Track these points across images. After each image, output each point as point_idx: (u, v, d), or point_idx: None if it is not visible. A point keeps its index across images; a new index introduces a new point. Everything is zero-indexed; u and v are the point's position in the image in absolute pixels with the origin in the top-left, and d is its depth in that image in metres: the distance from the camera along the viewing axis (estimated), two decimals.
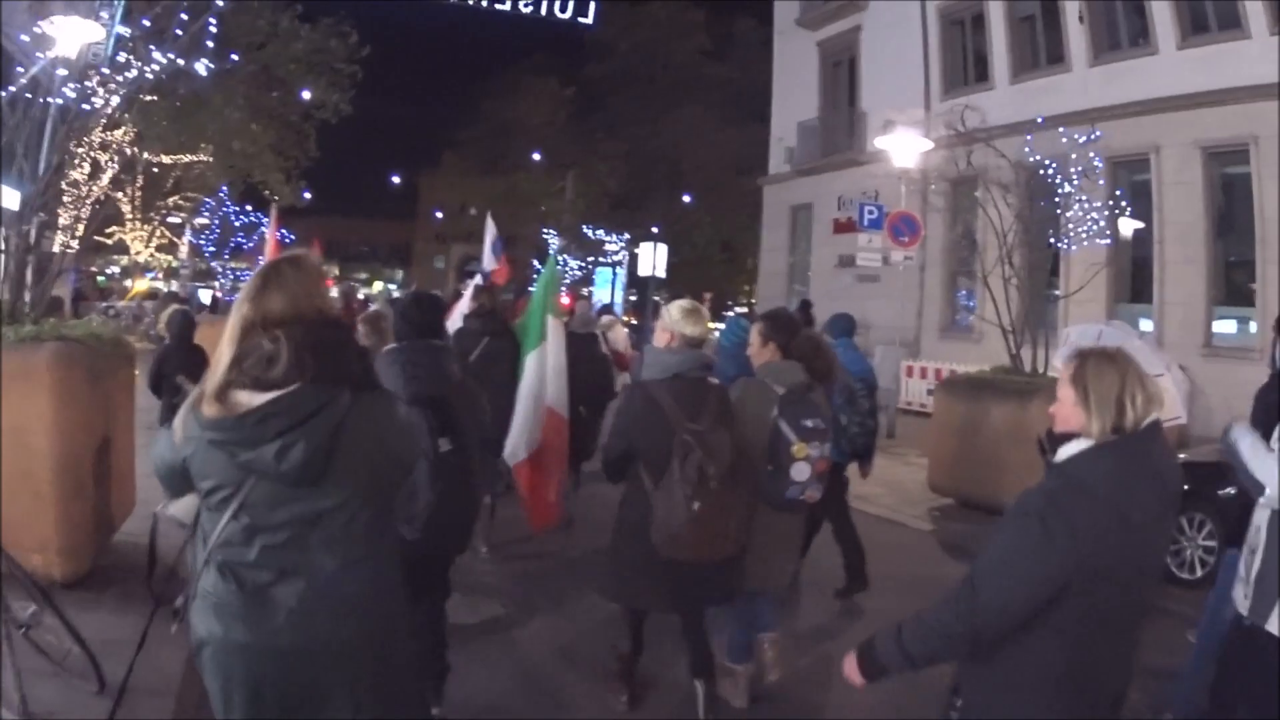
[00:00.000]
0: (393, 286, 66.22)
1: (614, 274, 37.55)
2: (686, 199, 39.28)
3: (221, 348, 2.09)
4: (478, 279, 8.64)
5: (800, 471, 3.93)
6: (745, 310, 39.46)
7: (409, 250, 72.15)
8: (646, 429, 3.74)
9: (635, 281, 29.85)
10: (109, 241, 36.46)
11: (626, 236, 34.31)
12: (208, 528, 2.12)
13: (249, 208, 34.28)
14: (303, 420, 2.02)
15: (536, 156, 40.74)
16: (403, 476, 2.37)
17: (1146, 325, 14.78)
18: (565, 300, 29.50)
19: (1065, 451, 2.23)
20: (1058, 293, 12.56)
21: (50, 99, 6.04)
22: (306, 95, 26.66)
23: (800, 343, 4.44)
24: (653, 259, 22.17)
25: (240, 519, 2.07)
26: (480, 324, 6.77)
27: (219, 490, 2.08)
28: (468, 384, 4.01)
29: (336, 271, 62.85)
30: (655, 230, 32.18)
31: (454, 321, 7.40)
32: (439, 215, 65.53)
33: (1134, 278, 15.79)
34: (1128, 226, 14.78)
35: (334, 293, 22.58)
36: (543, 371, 5.89)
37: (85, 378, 4.95)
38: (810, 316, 10.01)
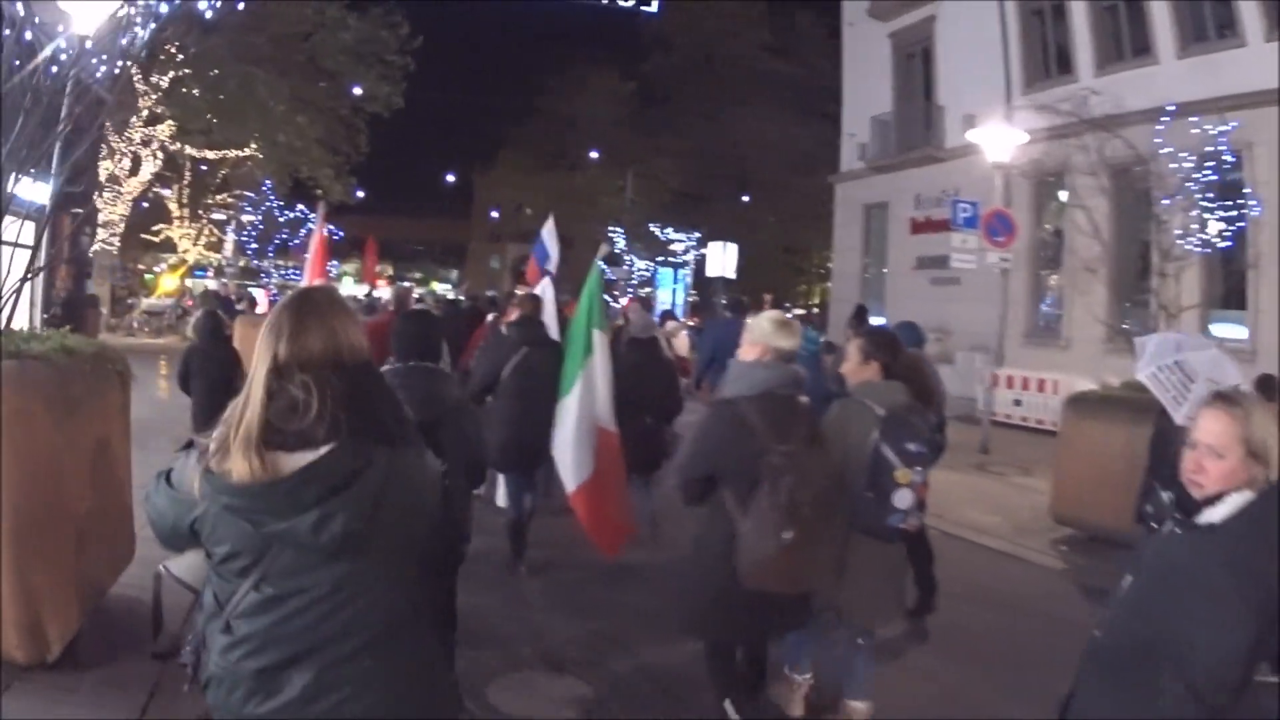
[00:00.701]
0: (447, 287, 66.77)
1: (675, 275, 37.27)
2: (745, 199, 38.82)
3: (249, 395, 1.87)
4: (546, 281, 8.40)
5: (903, 499, 3.75)
6: (802, 313, 39.00)
7: (463, 250, 72.51)
8: (733, 450, 3.56)
9: (700, 283, 29.54)
10: (157, 240, 37.23)
11: (697, 235, 33.90)
12: (221, 596, 1.92)
13: (299, 206, 34.36)
14: (342, 486, 1.82)
15: (594, 155, 40.61)
16: (433, 533, 2.09)
17: (1240, 332, 14.19)
18: (624, 301, 29.31)
19: (1222, 511, 2.10)
20: (1152, 296, 12.02)
21: (76, 76, 5.65)
22: (358, 91, 26.58)
23: (904, 363, 4.30)
24: (722, 259, 21.69)
25: (262, 590, 1.87)
26: (519, 333, 6.57)
27: (236, 559, 1.88)
28: (461, 407, 4.00)
29: (390, 271, 63.51)
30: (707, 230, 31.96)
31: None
32: (494, 215, 65.96)
33: (1225, 282, 15.04)
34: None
35: (386, 292, 22.61)
36: (591, 390, 5.79)
37: (50, 407, 3.95)
38: (865, 322, 9.65)
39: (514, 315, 7.03)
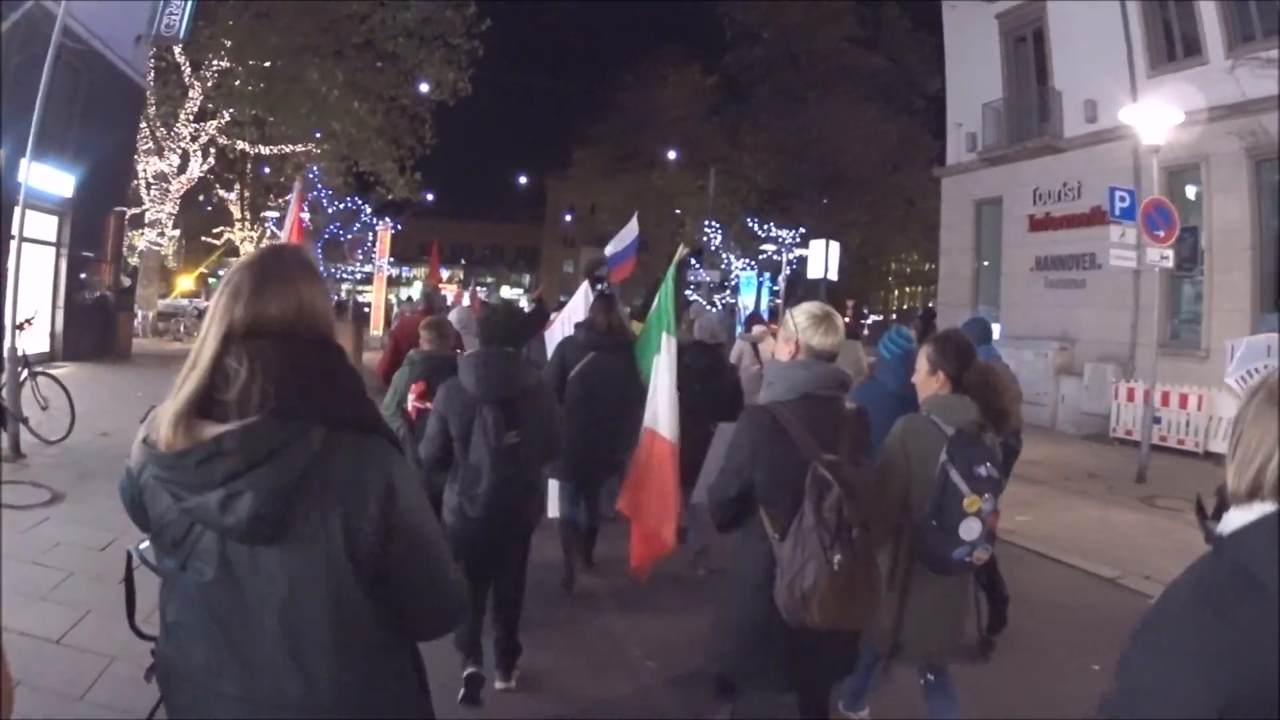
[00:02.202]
0: (519, 291, 67.55)
1: (760, 277, 36.58)
2: (828, 199, 38.04)
3: (196, 359, 1.77)
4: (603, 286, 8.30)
5: (970, 529, 3.45)
6: (880, 318, 38.09)
7: (536, 254, 73.39)
8: (770, 461, 3.16)
9: (793, 285, 28.73)
10: (219, 243, 37.32)
11: (801, 230, 33.08)
12: (165, 573, 1.86)
13: (353, 199, 33.85)
14: (255, 463, 1.68)
15: (672, 155, 40.05)
16: (412, 551, 1.85)
17: None
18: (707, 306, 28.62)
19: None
20: None
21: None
22: (424, 88, 26.08)
23: (974, 375, 3.91)
24: (824, 259, 20.79)
25: (188, 572, 1.78)
26: (587, 336, 6.51)
27: (165, 533, 1.81)
28: (539, 388, 4.55)
29: (461, 275, 64.38)
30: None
31: (564, 329, 7.59)
32: (568, 218, 66.71)
33: None
34: None
35: (449, 295, 22.36)
36: (652, 393, 5.73)
37: None
38: (932, 327, 9.23)
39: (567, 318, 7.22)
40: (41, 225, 16.76)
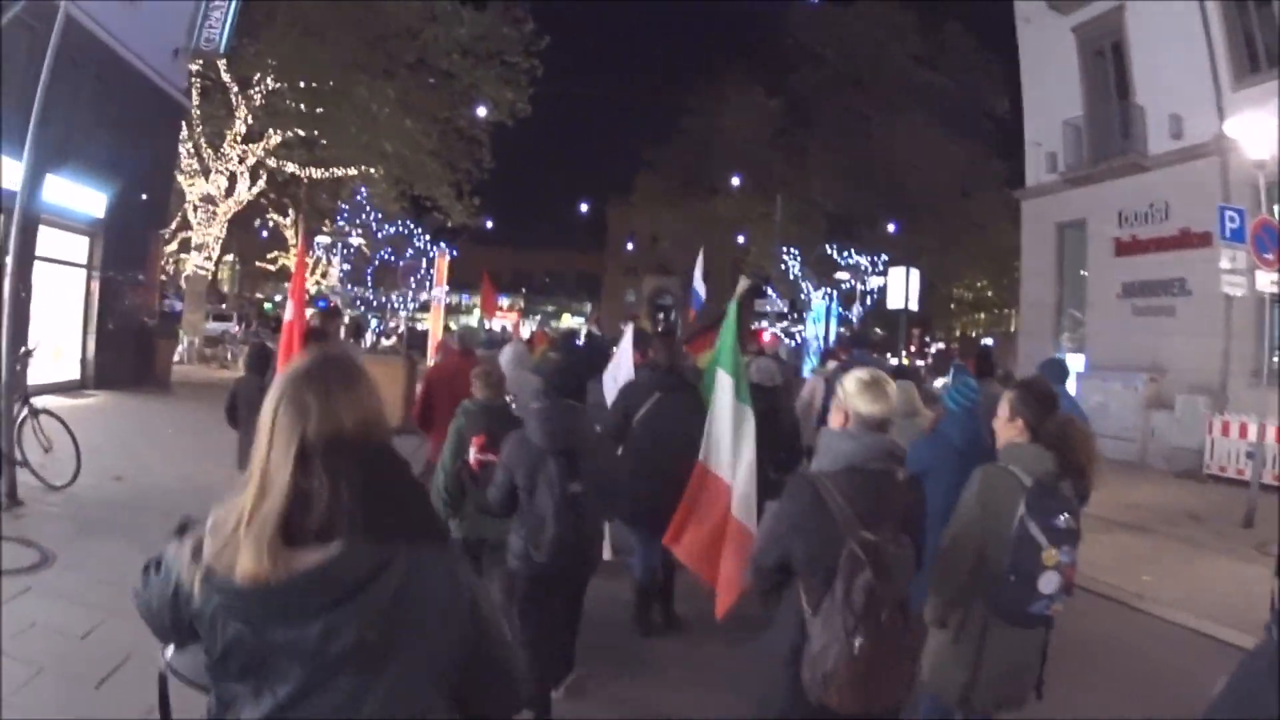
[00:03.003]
0: (579, 320, 67.66)
1: (828, 307, 35.96)
2: (894, 225, 37.45)
3: (268, 481, 1.68)
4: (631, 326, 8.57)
5: (1049, 582, 3.46)
6: (943, 346, 37.22)
7: (597, 282, 73.55)
8: (809, 535, 3.14)
9: (878, 315, 28.29)
10: (274, 268, 37.41)
11: (884, 256, 32.55)
12: (223, 697, 1.75)
13: (405, 222, 33.51)
14: (353, 592, 1.65)
15: (736, 181, 39.71)
16: (492, 653, 1.88)
17: None
18: (768, 338, 28.49)
19: None
20: None
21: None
22: (482, 111, 25.69)
23: (1053, 426, 3.89)
24: (905, 288, 20.22)
25: (262, 699, 1.69)
26: (651, 377, 6.53)
27: (232, 659, 1.70)
28: (600, 439, 5.09)
29: (521, 304, 64.76)
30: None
31: (622, 369, 7.54)
32: (630, 246, 66.78)
33: None
34: None
35: (510, 323, 22.01)
36: (707, 432, 5.68)
37: None
38: (991, 366, 9.29)
39: (641, 358, 7.00)
40: (70, 245, 16.56)
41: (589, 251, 72.34)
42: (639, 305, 69.76)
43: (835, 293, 35.11)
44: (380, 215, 32.16)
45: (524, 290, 70.73)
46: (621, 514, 6.00)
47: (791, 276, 35.71)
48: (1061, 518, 3.49)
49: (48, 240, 15.37)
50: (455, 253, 36.49)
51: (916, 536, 3.24)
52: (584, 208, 59.75)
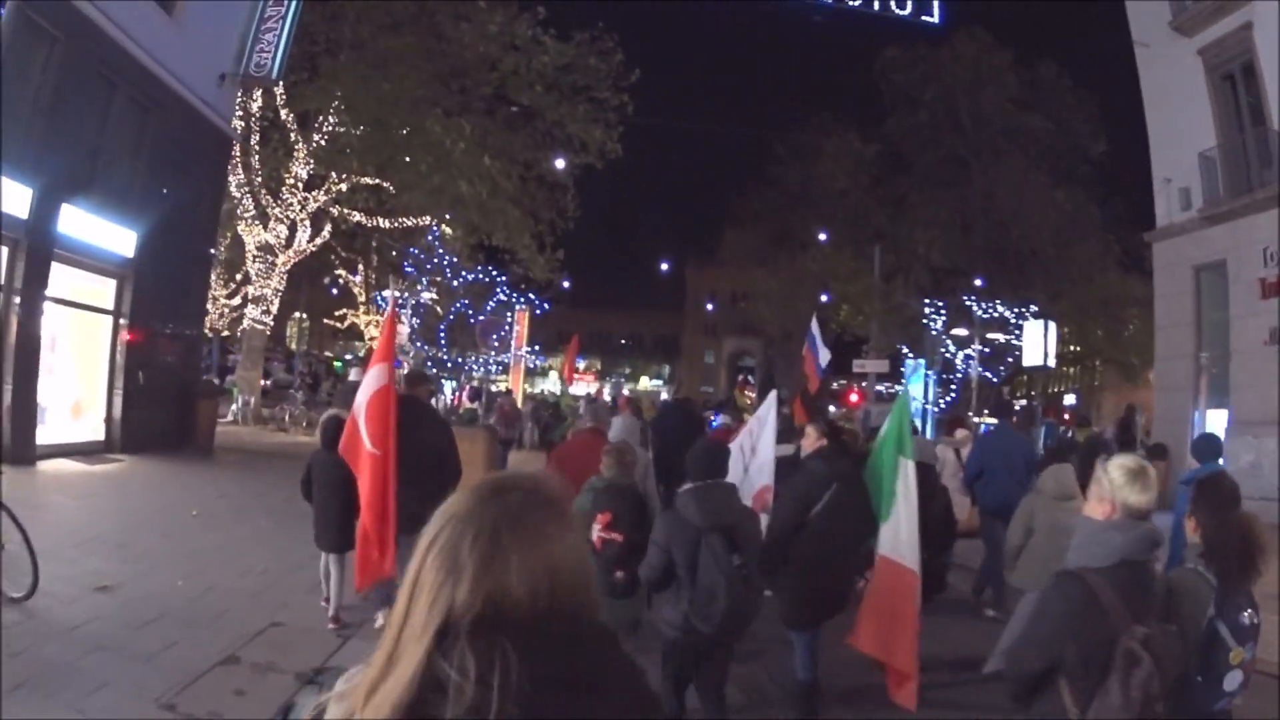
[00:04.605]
0: (658, 383, 67.27)
1: (925, 366, 34.65)
2: (978, 282, 36.22)
3: (393, 660, 1.33)
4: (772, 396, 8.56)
5: (1234, 680, 3.61)
6: (1024, 403, 35.62)
7: (674, 343, 73.54)
8: (1083, 635, 3.11)
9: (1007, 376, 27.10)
10: (342, 326, 36.59)
11: (1033, 307, 31.38)
12: None
13: (487, 267, 32.30)
14: None
15: (828, 233, 38.89)
16: None
17: None
18: (855, 398, 27.32)
19: None
20: None
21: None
22: (560, 164, 24.79)
23: (1234, 520, 3.92)
24: (1043, 344, 19.02)
25: None
26: (825, 466, 6.34)
27: None
28: (749, 514, 5.37)
29: (598, 365, 64.54)
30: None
31: (762, 446, 7.69)
32: (710, 306, 66.69)
33: None
34: None
35: (590, 387, 21.11)
36: (895, 523, 6.02)
37: None
38: (1133, 436, 9.27)
39: (811, 442, 6.66)
40: (94, 289, 15.34)
41: (666, 311, 72.51)
42: (719, 367, 69.52)
43: (992, 350, 34.05)
44: (455, 260, 30.88)
45: (599, 352, 70.59)
46: (787, 619, 6.09)
47: (934, 332, 34.49)
48: (1246, 614, 3.63)
49: (67, 281, 14.28)
50: (548, 307, 35.30)
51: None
52: (664, 267, 59.38)
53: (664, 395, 56.68)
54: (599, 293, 63.52)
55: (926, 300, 34.76)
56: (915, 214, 36.13)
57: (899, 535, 5.93)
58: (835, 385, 46.00)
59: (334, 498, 7.26)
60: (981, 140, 36.29)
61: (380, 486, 6.44)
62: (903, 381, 34.23)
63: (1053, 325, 19.33)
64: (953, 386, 35.49)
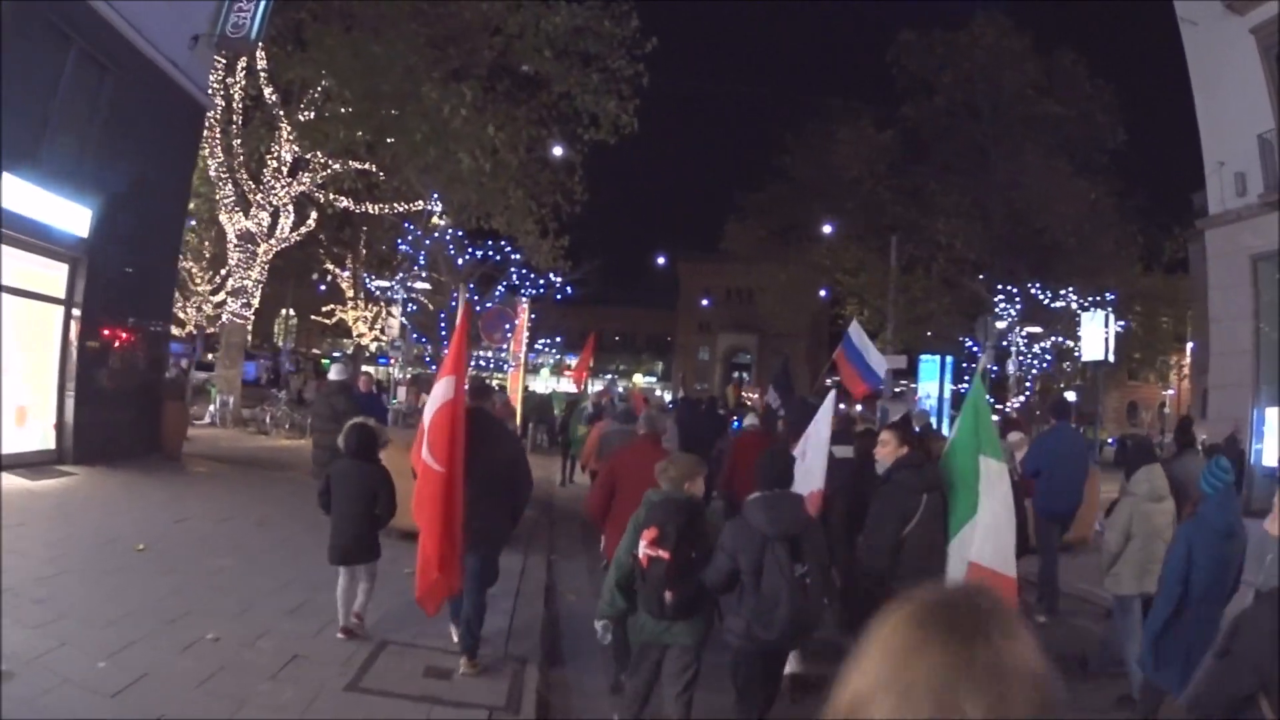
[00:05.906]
0: (651, 379, 66.77)
1: (942, 361, 33.69)
2: (1010, 269, 35.50)
3: None
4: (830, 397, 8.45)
5: None
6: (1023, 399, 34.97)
7: (665, 340, 73.29)
8: None
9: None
10: (329, 322, 35.93)
11: (1110, 296, 30.69)
12: None
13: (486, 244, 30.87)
14: None
15: (841, 224, 38.00)
16: None
17: None
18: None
19: None
20: None
21: None
22: (558, 151, 23.83)
23: None
24: (1104, 337, 18.11)
25: None
26: (916, 477, 6.24)
27: None
28: (815, 524, 5.69)
29: (590, 362, 63.73)
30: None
31: (817, 445, 7.66)
32: (704, 302, 66.23)
33: None
34: None
35: (611, 386, 20.23)
36: (984, 527, 5.89)
37: None
38: (1192, 437, 9.56)
39: (891, 450, 6.48)
40: (41, 274, 13.51)
41: (659, 308, 71.96)
42: (713, 364, 68.97)
43: (1048, 344, 33.98)
44: (461, 234, 28.97)
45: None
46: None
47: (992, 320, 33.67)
48: None
49: (10, 264, 12.58)
50: (570, 290, 33.73)
51: None
52: (660, 261, 58.58)
53: (658, 392, 56.08)
54: (594, 288, 62.74)
55: (1000, 286, 34.33)
56: (934, 203, 35.39)
57: (995, 541, 5.83)
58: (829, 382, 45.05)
59: (357, 507, 7.13)
60: (1001, 127, 35.71)
61: (446, 506, 6.21)
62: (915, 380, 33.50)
63: (1113, 318, 18.46)
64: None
